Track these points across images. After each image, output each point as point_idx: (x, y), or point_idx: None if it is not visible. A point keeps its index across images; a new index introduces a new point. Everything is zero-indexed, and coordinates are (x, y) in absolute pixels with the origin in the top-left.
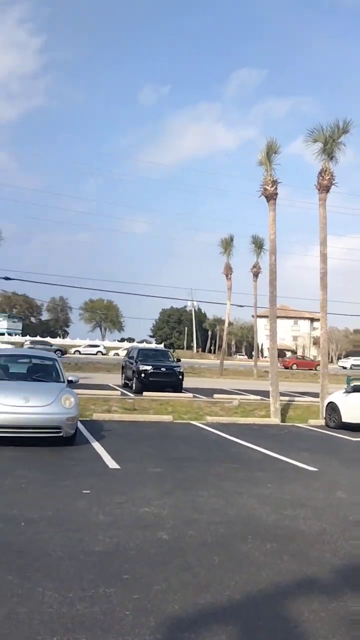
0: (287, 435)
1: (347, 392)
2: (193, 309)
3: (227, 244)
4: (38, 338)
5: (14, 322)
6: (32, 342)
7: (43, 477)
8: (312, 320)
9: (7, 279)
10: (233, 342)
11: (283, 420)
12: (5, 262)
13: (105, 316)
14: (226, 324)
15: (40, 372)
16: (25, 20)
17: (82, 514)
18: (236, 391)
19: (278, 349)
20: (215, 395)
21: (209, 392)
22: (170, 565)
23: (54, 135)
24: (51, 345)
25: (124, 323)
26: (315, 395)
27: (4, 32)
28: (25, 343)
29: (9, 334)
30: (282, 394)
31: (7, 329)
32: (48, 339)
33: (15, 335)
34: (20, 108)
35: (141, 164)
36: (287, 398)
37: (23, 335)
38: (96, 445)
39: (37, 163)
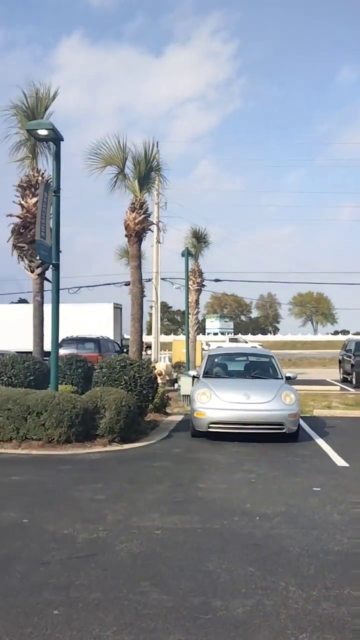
0: None
1: None
2: None
3: None
4: None
5: (225, 321)
6: None
7: (271, 473)
8: None
9: (217, 280)
10: None
11: None
12: (215, 264)
13: (315, 309)
14: None
15: (258, 369)
16: (218, 30)
17: (316, 512)
18: None
19: None
20: None
21: None
22: None
23: (252, 134)
24: None
25: (336, 315)
26: None
27: (200, 46)
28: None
29: (222, 333)
30: None
31: (220, 328)
32: None
33: (228, 334)
34: (218, 115)
35: (343, 147)
36: None
37: (235, 333)
38: (320, 442)
39: (238, 164)
